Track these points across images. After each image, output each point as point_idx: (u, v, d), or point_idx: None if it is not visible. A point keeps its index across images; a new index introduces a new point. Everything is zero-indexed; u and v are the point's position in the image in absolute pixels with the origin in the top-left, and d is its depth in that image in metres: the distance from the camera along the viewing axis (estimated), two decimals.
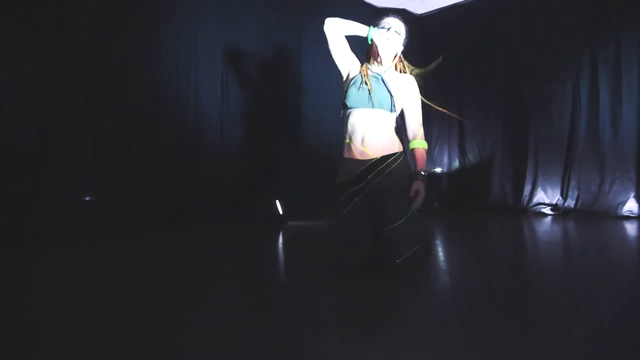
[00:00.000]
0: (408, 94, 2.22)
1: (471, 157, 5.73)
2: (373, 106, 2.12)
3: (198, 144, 4.08)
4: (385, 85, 2.15)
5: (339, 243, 2.18)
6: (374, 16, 2.31)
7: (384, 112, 2.14)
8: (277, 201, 4.33)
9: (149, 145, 3.78)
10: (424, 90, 2.29)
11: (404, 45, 2.28)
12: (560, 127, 4.95)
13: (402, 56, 2.31)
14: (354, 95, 2.15)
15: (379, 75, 2.18)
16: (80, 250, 2.93)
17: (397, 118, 2.26)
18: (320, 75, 4.84)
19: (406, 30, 2.27)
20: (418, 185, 2.12)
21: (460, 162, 5.84)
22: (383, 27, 2.22)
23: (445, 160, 5.99)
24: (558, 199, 4.93)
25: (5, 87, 3.14)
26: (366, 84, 2.13)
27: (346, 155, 2.22)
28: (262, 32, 4.54)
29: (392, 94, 2.15)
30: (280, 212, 4.31)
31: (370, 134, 2.14)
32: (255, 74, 4.52)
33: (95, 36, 3.50)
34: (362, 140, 2.14)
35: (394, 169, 2.13)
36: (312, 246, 3.08)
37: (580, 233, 3.89)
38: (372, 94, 2.10)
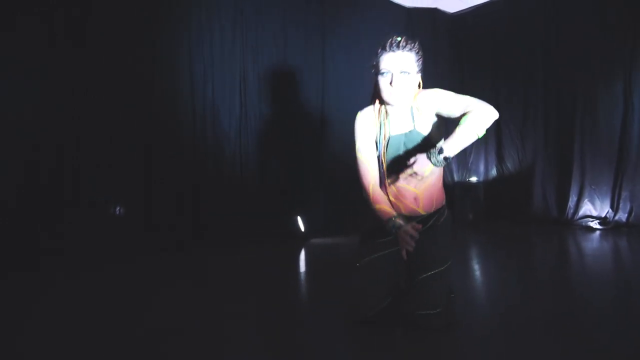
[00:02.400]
0: (437, 107, 1.75)
1: (510, 164, 5.32)
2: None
3: (217, 160, 3.91)
4: (421, 135, 1.79)
5: (355, 292, 1.90)
6: (373, 58, 1.79)
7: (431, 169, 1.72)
8: (299, 218, 4.11)
9: (166, 161, 3.65)
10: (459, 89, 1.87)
11: (420, 71, 1.79)
12: (609, 131, 4.51)
13: (421, 82, 1.83)
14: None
15: (411, 130, 1.79)
16: (92, 272, 2.85)
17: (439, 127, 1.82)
18: (344, 89, 4.62)
19: (416, 49, 1.75)
20: (420, 157, 1.67)
21: (498, 170, 5.44)
22: (382, 74, 1.74)
23: (482, 168, 5.60)
24: (608, 212, 4.49)
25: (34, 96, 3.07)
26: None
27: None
28: (282, 42, 4.32)
29: (430, 136, 1.79)
30: (302, 229, 4.08)
31: (424, 195, 1.84)
32: (275, 86, 4.29)
33: (113, 47, 3.40)
34: (416, 200, 1.85)
35: (441, 224, 1.89)
36: (334, 270, 2.87)
37: (636, 250, 3.50)
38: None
